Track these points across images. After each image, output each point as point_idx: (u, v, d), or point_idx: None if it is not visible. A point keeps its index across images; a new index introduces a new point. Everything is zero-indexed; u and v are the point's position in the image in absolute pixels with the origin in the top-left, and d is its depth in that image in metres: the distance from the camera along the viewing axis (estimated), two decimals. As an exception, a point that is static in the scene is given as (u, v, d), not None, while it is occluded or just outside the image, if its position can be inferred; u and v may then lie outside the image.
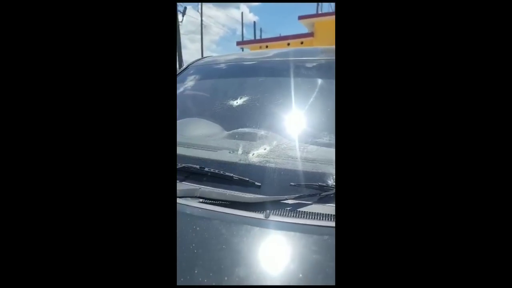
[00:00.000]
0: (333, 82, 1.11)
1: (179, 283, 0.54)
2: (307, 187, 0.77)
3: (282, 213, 0.72)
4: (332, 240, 0.66)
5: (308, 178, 0.80)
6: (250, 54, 1.87)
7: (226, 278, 0.56)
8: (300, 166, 0.84)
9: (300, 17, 6.35)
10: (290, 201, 0.75)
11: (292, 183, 0.77)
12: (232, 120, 1.08)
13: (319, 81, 1.14)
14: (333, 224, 0.69)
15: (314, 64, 1.24)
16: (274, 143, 0.93)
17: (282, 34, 7.58)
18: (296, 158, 0.87)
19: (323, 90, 1.09)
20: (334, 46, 1.55)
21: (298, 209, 0.73)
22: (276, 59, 1.39)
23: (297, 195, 0.75)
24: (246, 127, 1.04)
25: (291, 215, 0.72)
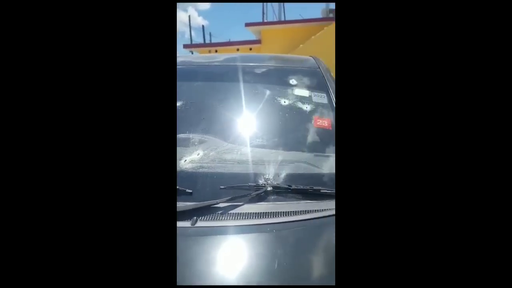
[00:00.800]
0: (271, 87, 1.16)
1: None
2: (238, 189, 0.79)
3: (212, 217, 0.73)
4: (262, 237, 0.68)
5: (239, 180, 0.82)
6: (191, 57, 1.84)
7: None
8: (232, 169, 0.86)
9: (247, 24, 6.50)
10: (222, 205, 0.75)
11: (222, 186, 0.78)
12: None
13: (257, 86, 1.18)
14: (264, 221, 0.71)
15: (254, 70, 1.28)
16: (209, 147, 0.93)
17: (232, 40, 7.65)
18: (229, 161, 0.89)
19: (259, 94, 1.13)
20: (279, 54, 1.62)
21: (230, 212, 0.74)
22: (215, 64, 1.40)
23: (228, 198, 0.76)
24: (181, 133, 1.02)
25: (222, 218, 0.73)
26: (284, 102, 1.09)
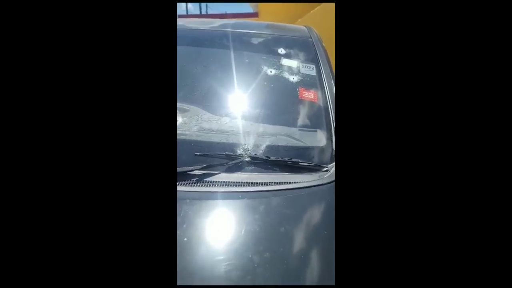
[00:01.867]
0: (258, 56, 1.10)
1: None
2: (215, 157, 0.77)
3: (188, 183, 0.71)
4: (237, 203, 0.67)
5: (218, 149, 0.79)
6: (184, 21, 1.72)
7: None
8: (211, 138, 0.83)
9: (244, -4, 6.19)
10: (198, 172, 0.74)
11: (197, 153, 0.76)
12: None
13: (243, 54, 1.12)
14: (239, 189, 0.70)
15: (242, 37, 1.21)
16: (188, 115, 0.89)
17: (228, 12, 7.34)
18: (208, 130, 0.86)
19: (245, 63, 1.08)
20: (270, 22, 1.53)
21: (205, 179, 0.73)
22: (203, 28, 1.31)
23: (204, 165, 0.74)
24: None
25: (197, 185, 0.71)
26: (271, 72, 1.04)
